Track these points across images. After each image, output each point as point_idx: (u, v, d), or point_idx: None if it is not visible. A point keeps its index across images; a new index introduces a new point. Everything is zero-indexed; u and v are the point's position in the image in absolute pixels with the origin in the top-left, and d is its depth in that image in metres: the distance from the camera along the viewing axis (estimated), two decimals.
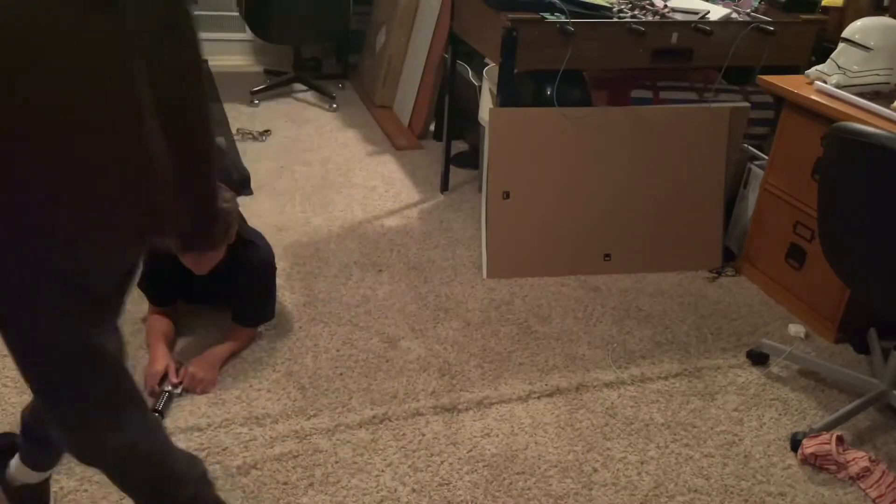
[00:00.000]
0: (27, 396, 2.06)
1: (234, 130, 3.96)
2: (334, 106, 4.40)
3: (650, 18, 2.73)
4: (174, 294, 2.37)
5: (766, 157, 2.85)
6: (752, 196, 2.92)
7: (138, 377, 2.15)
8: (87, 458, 1.37)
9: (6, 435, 1.80)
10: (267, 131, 3.97)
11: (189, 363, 2.15)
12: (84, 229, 1.16)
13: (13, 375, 2.14)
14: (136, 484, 1.42)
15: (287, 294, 2.60)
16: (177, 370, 2.14)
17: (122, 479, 1.41)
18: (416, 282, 2.74)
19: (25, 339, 1.23)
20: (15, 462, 1.68)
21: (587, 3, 2.69)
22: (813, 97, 2.46)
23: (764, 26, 2.78)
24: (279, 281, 2.60)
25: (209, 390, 2.13)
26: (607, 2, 2.80)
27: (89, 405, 1.28)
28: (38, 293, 1.18)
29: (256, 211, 3.13)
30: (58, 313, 1.20)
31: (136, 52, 1.09)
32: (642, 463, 2.00)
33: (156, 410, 2.01)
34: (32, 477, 1.68)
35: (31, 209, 1.11)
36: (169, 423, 2.01)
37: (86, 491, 1.80)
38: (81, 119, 1.08)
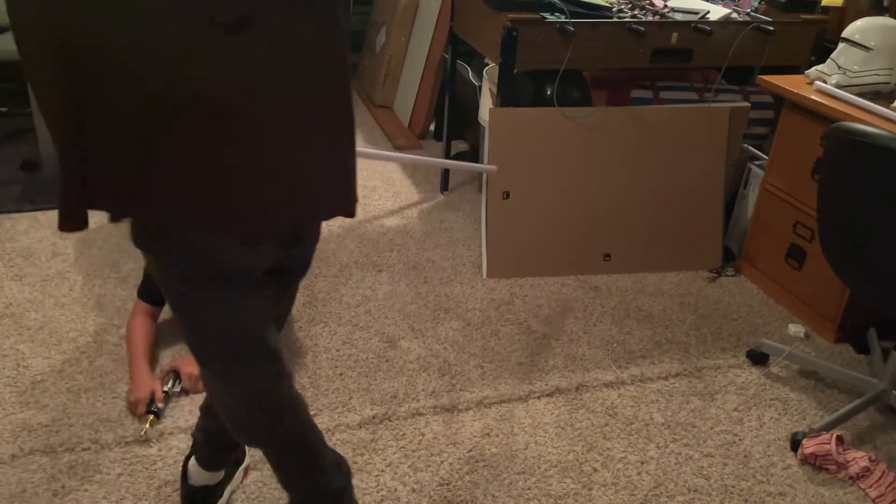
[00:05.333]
0: (27, 396, 2.06)
1: None
2: None
3: (650, 18, 2.73)
4: None
5: (766, 157, 2.85)
6: (752, 196, 2.92)
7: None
8: (246, 433, 1.44)
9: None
10: None
11: (181, 364, 2.13)
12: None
13: (12, 375, 2.14)
14: (288, 458, 1.48)
15: None
16: (168, 371, 2.13)
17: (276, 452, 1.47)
18: (416, 282, 2.74)
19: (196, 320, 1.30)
20: (192, 460, 1.73)
21: (587, 3, 2.70)
22: (813, 97, 2.46)
23: (764, 26, 2.78)
24: None
25: None
26: (607, 2, 2.80)
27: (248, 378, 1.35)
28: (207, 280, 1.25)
29: None
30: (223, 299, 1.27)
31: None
32: (642, 463, 2.00)
33: (152, 411, 2.01)
34: (203, 478, 1.72)
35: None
36: (169, 422, 2.01)
37: (86, 490, 1.80)
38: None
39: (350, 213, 1.35)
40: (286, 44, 1.14)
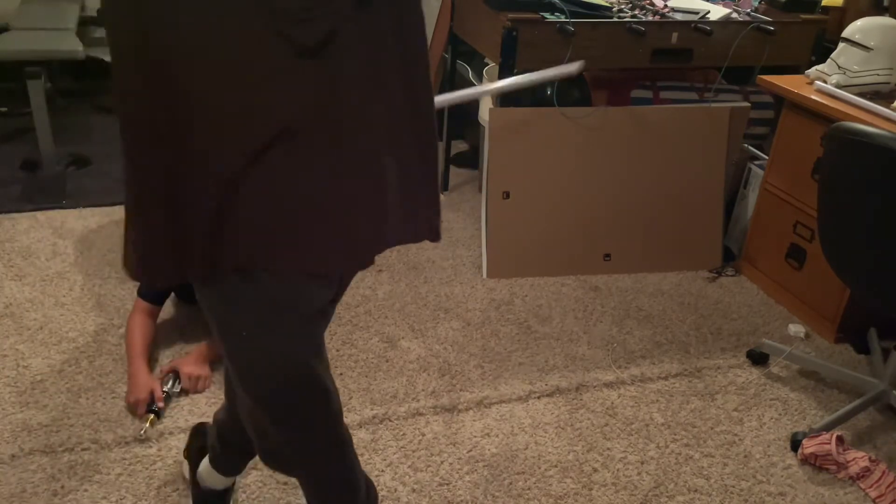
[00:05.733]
0: (27, 396, 2.06)
1: None
2: None
3: (650, 18, 2.73)
4: (169, 291, 2.34)
5: (766, 157, 2.85)
6: (752, 196, 2.92)
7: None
8: (286, 468, 1.41)
9: (203, 431, 1.79)
10: None
11: (181, 364, 2.13)
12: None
13: (12, 375, 2.14)
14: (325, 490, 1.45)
15: None
16: (168, 372, 2.13)
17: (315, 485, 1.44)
18: (416, 282, 2.74)
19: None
20: (204, 464, 1.69)
21: (587, 3, 2.69)
22: (813, 97, 2.46)
23: (764, 26, 2.78)
24: None
25: (209, 385, 2.13)
26: (607, 2, 2.80)
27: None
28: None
29: None
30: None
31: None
32: (642, 463, 2.00)
33: (153, 411, 2.00)
34: (218, 482, 1.69)
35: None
36: (169, 422, 2.01)
37: (86, 491, 1.80)
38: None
39: (435, 235, 1.28)
40: (370, 60, 1.07)
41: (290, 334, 1.22)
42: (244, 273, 1.15)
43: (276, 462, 1.39)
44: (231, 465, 1.68)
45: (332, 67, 1.05)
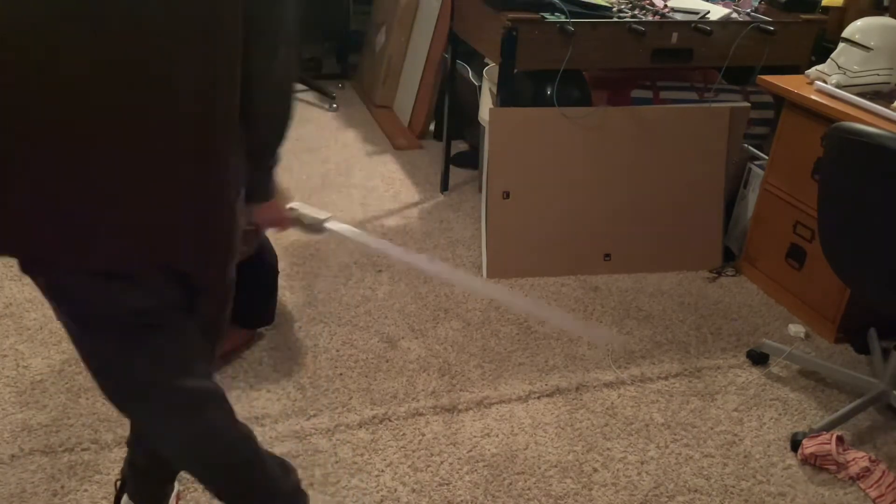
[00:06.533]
0: (27, 396, 2.06)
1: None
2: (334, 106, 4.40)
3: (650, 18, 2.73)
4: None
5: (766, 157, 2.85)
6: (752, 196, 2.92)
7: None
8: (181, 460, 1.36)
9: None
10: None
11: None
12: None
13: (12, 375, 2.14)
14: (226, 481, 1.37)
15: (287, 294, 2.60)
16: None
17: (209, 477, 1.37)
18: (416, 282, 2.74)
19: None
20: (125, 501, 1.63)
21: (587, 2, 2.69)
22: (813, 97, 2.46)
23: (764, 26, 2.78)
24: (279, 281, 2.60)
25: None
26: (607, 2, 2.80)
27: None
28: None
29: None
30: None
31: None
32: (642, 463, 2.00)
33: None
34: None
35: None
36: None
37: (86, 491, 1.80)
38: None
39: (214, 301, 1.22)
40: (151, 32, 0.99)
41: (110, 340, 1.16)
42: (37, 279, 1.12)
43: (186, 469, 1.33)
44: (150, 495, 1.60)
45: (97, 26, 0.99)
